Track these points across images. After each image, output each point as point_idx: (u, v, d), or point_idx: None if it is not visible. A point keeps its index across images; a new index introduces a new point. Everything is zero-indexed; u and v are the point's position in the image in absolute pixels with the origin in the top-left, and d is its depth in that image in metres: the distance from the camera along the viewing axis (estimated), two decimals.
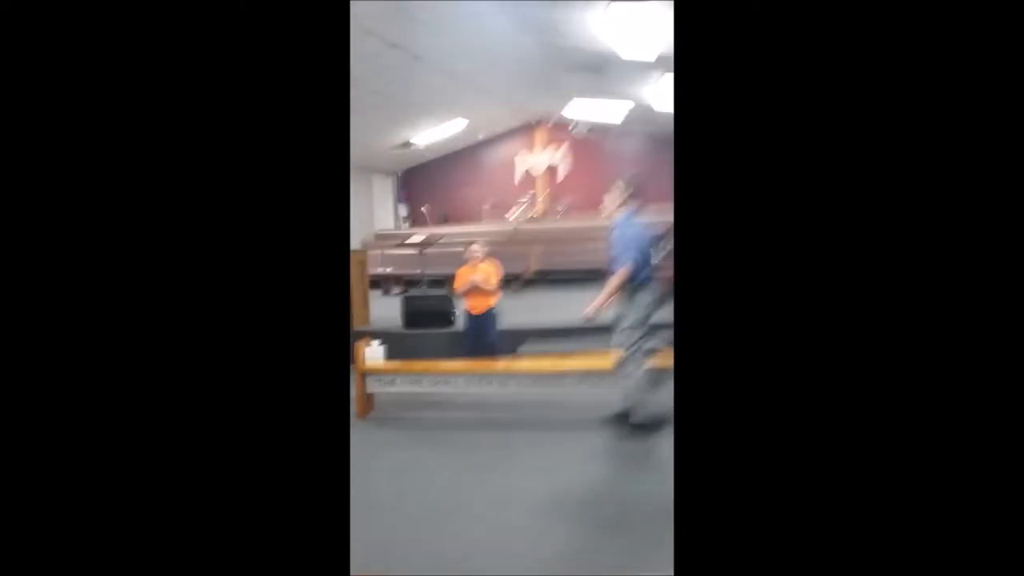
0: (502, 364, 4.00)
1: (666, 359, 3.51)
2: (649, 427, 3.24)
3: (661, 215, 3.58)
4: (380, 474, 3.04)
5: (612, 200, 3.28)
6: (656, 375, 3.39)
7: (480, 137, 11.65)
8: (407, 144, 10.55)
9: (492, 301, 4.46)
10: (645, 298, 3.20)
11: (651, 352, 3.34)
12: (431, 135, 10.47)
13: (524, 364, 3.90)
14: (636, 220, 3.20)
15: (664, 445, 3.17)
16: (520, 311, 6.06)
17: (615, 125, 10.55)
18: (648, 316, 3.24)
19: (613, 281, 3.16)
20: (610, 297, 3.18)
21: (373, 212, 11.57)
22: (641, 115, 9.20)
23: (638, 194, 3.25)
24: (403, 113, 9.11)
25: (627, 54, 6.08)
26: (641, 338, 3.22)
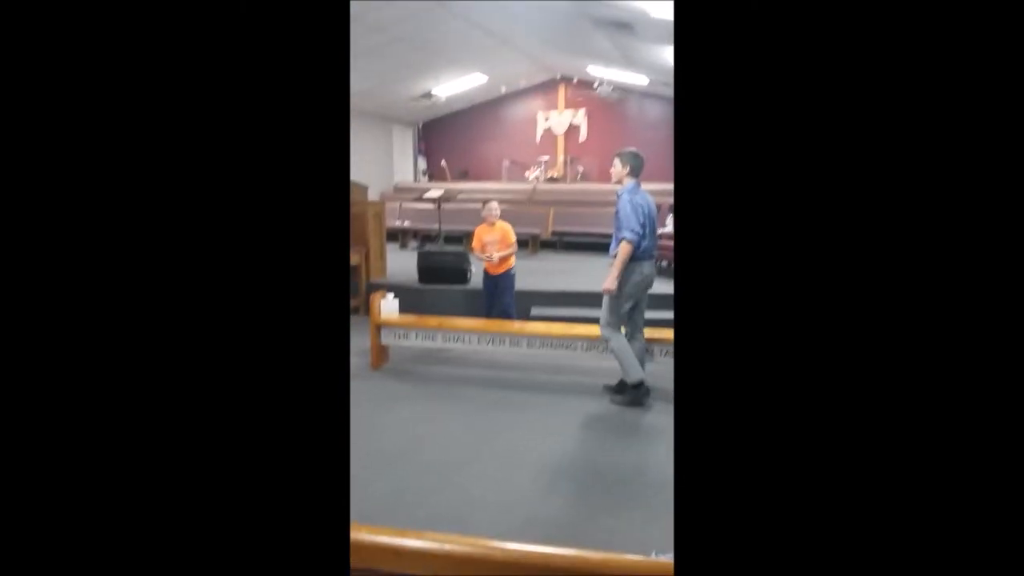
0: (515, 325, 4.07)
1: (660, 332, 3.58)
2: (634, 397, 3.33)
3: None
4: (390, 424, 3.16)
5: (615, 174, 3.31)
6: (645, 347, 3.46)
7: (502, 91, 11.46)
8: (428, 95, 10.41)
9: (511, 262, 4.47)
10: (642, 270, 3.25)
11: (639, 324, 3.41)
12: (452, 87, 10.31)
13: (536, 327, 3.97)
14: (636, 194, 3.23)
15: (657, 416, 3.25)
16: (535, 273, 6.10)
17: (640, 86, 10.31)
18: (642, 289, 3.30)
19: (620, 256, 3.21)
20: (619, 270, 3.24)
21: (393, 163, 11.52)
22: (667, 77, 8.96)
23: (638, 169, 3.27)
24: (425, 62, 8.95)
25: (656, 12, 5.91)
26: (630, 310, 3.31)
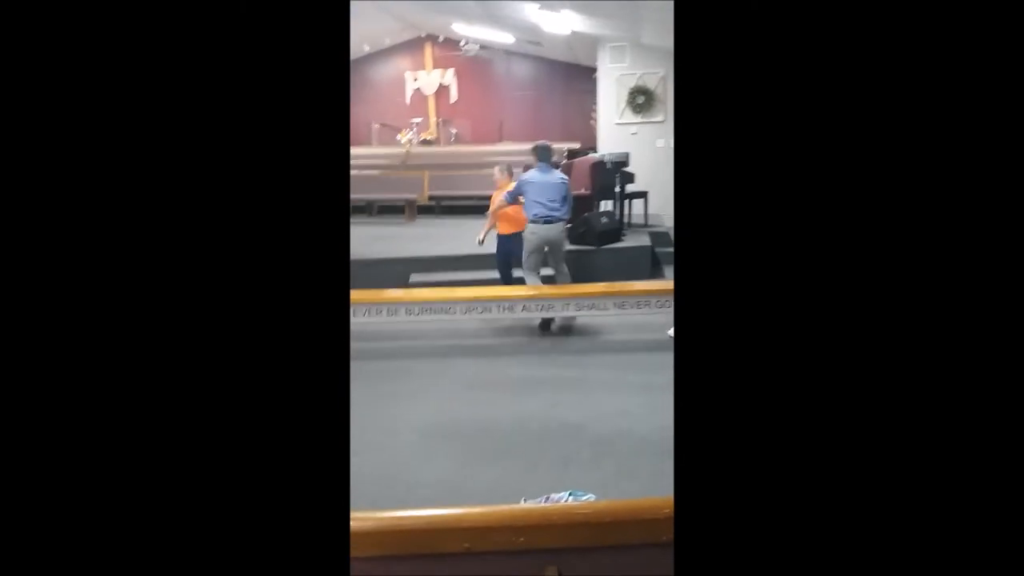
0: (392, 294, 4.03)
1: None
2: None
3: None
4: None
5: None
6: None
7: (366, 50, 10.95)
8: None
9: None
10: (533, 231, 3.94)
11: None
12: None
13: (416, 293, 3.95)
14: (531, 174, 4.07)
15: (537, 370, 3.40)
16: (414, 239, 6.02)
17: (507, 45, 10.29)
18: (534, 245, 3.87)
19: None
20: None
21: None
22: (532, 35, 9.02)
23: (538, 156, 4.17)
24: None
25: None
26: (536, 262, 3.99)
